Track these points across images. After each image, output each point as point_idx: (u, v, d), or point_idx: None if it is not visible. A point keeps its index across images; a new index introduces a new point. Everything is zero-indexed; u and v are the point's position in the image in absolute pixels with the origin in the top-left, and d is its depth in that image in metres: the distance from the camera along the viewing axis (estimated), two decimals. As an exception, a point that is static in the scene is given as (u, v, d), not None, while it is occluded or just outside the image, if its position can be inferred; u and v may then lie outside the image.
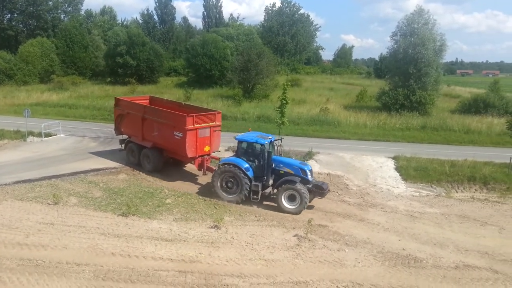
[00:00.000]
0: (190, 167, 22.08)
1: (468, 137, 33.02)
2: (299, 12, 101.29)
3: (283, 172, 17.64)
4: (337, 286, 11.45)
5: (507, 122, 24.86)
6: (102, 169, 21.12)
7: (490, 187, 21.63)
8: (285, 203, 17.04)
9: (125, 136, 23.42)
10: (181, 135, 19.25)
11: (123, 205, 16.43)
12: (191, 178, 21.20)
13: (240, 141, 18.26)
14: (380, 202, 19.03)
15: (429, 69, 41.10)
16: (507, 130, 24.91)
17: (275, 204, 17.39)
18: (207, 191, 18.79)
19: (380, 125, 36.17)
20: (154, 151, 20.96)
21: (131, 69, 60.39)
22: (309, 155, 24.69)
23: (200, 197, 18.17)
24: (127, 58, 60.17)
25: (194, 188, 19.38)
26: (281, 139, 18.93)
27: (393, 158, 25.48)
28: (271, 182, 17.91)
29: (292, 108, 39.56)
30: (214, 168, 19.22)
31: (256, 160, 17.91)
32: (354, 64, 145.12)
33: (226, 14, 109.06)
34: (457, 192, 21.46)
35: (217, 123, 20.63)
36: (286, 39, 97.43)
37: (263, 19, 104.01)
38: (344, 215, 17.18)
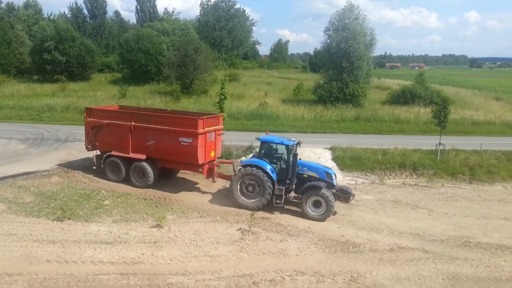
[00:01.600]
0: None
1: (398, 126, 35.03)
2: (234, 7, 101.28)
3: (306, 176, 16.80)
4: (281, 276, 11.72)
5: (432, 111, 26.59)
6: (33, 172, 19.82)
7: (419, 173, 23.13)
8: (310, 210, 16.23)
9: (97, 151, 20.45)
10: (190, 141, 17.51)
11: (58, 209, 15.60)
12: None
13: (263, 142, 17.28)
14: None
15: (360, 63, 42.93)
16: (432, 119, 26.64)
17: (299, 210, 16.63)
18: (147, 190, 18.34)
19: (317, 117, 37.25)
20: (149, 164, 18.72)
21: (60, 65, 57.12)
22: (250, 149, 24.90)
23: (141, 197, 17.71)
24: (55, 54, 56.79)
25: (133, 188, 18.80)
26: (299, 144, 17.44)
27: (330, 149, 26.40)
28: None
29: (231, 103, 39.58)
30: (226, 174, 18.89)
31: (280, 162, 17.05)
32: (290, 59, 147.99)
33: (160, 8, 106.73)
34: (389, 178, 22.71)
35: (220, 126, 19.46)
36: (223, 34, 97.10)
37: (199, 14, 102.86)
38: (284, 208, 17.53)
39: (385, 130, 33.98)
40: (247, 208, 16.50)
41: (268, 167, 16.57)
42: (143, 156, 18.68)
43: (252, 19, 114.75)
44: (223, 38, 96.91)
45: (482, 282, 12.00)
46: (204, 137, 17.77)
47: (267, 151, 17.25)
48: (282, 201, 16.56)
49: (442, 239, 14.90)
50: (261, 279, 11.53)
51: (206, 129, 17.91)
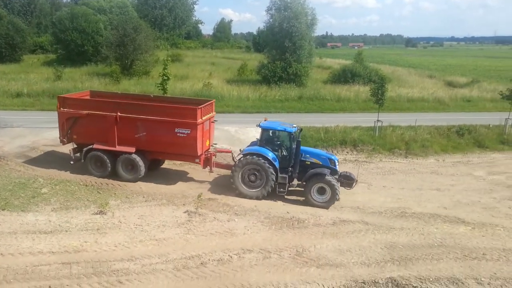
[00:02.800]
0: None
1: (339, 105, 36.11)
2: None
3: (309, 163, 16.37)
4: (228, 255, 11.89)
5: (370, 89, 27.68)
6: (-41, 162, 18.45)
7: (359, 149, 24.11)
8: (315, 197, 15.96)
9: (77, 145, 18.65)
10: (188, 132, 16.56)
11: (-11, 200, 14.68)
12: (68, 164, 19.57)
13: (265, 129, 16.64)
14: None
15: (302, 42, 43.50)
16: (371, 97, 27.73)
17: (302, 198, 16.38)
18: (88, 176, 17.68)
19: (262, 97, 37.47)
20: (140, 156, 17.44)
21: (-15, 46, 52.86)
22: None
23: (81, 183, 17.06)
24: (-21, 33, 52.42)
25: (73, 174, 18.01)
26: (300, 130, 17.22)
27: (275, 128, 26.70)
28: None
29: (175, 84, 38.84)
30: (223, 164, 18.34)
31: (281, 149, 16.66)
32: (234, 39, 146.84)
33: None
34: (337, 156, 23.45)
35: (213, 113, 18.56)
36: (163, 13, 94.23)
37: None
38: (231, 186, 17.66)
39: (327, 109, 34.93)
40: (250, 198, 16.14)
41: (271, 155, 16.08)
42: (132, 149, 17.32)
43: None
44: (164, 17, 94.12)
45: (417, 249, 12.86)
46: (202, 127, 16.94)
47: (268, 138, 16.73)
48: (286, 189, 16.29)
49: (380, 211, 15.75)
50: (209, 259, 11.63)
51: (204, 118, 17.13)
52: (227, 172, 17.92)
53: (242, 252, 12.12)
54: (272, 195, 16.35)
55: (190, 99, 20.58)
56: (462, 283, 11.14)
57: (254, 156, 16.02)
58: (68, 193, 16.07)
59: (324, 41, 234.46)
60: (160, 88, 25.66)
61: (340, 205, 16.13)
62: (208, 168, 18.09)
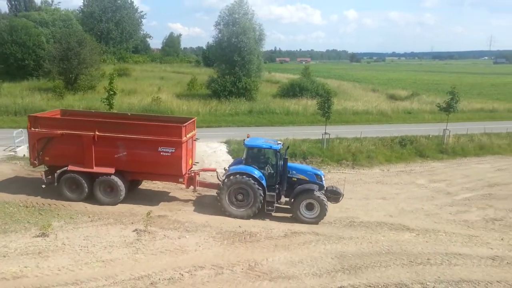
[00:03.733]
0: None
1: (288, 118, 36.80)
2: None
3: (296, 179, 16.21)
4: (179, 273, 11.60)
5: (317, 103, 28.44)
6: None
7: (308, 161, 24.56)
8: (303, 213, 15.82)
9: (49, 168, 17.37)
10: (172, 151, 15.86)
11: None
12: (6, 184, 18.46)
13: (250, 148, 16.31)
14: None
15: (251, 57, 44.11)
16: (318, 110, 28.47)
17: (290, 214, 16.20)
18: (28, 197, 16.70)
19: (212, 111, 37.42)
20: (119, 177, 16.48)
21: None
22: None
23: (21, 204, 16.05)
24: None
25: (12, 195, 16.93)
26: (287, 147, 17.10)
27: (225, 142, 26.74)
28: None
29: (122, 99, 37.98)
30: (208, 182, 17.77)
31: (268, 167, 16.34)
32: (183, 53, 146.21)
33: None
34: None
35: (195, 131, 17.96)
36: (110, 26, 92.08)
37: (82, 4, 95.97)
38: (182, 202, 17.38)
39: (277, 122, 35.47)
40: (237, 217, 15.75)
41: (258, 174, 15.81)
42: (111, 170, 16.33)
43: (141, 11, 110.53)
44: (110, 31, 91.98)
45: (366, 257, 13.19)
46: (186, 146, 16.32)
47: (253, 156, 16.44)
48: (274, 207, 16.08)
49: (330, 221, 16.07)
50: (159, 279, 11.29)
51: (188, 136, 16.52)
52: (181, 186, 17.60)
53: (194, 269, 11.87)
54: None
55: (168, 117, 19.87)
56: (409, 288, 11.53)
57: (241, 176, 15.67)
58: (7, 215, 15.05)
59: (273, 56, 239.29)
60: (106, 103, 24.88)
61: (290, 217, 16.28)
62: (191, 188, 17.57)
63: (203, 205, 17.24)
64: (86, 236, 13.63)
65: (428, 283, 11.75)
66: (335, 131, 28.14)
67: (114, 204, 16.52)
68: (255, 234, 14.48)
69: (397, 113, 42.28)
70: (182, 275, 11.55)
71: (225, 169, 17.05)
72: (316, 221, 15.77)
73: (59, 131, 16.46)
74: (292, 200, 16.02)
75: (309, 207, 15.82)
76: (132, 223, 14.89)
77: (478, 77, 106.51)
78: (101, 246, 13.01)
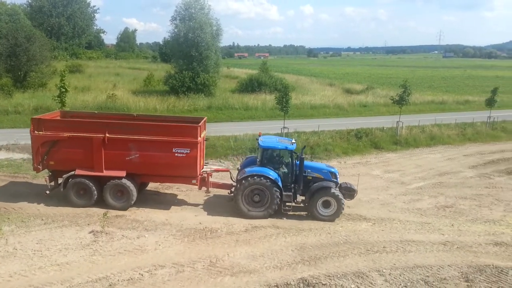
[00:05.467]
0: None
1: (247, 113, 36.90)
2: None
3: (311, 178, 16.18)
4: (139, 273, 11.39)
5: (276, 98, 28.68)
6: None
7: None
8: (321, 211, 15.80)
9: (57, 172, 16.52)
10: (187, 151, 15.52)
11: None
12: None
13: (266, 149, 16.14)
14: (174, 184, 19.54)
15: (209, 53, 43.81)
16: (276, 105, 28.71)
17: (305, 213, 16.24)
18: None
19: (170, 108, 36.85)
20: (130, 181, 15.89)
21: None
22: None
23: (-33, 210, 15.20)
24: None
25: (-44, 200, 16.01)
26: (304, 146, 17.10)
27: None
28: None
29: (76, 96, 36.79)
30: (220, 183, 17.26)
31: (283, 167, 16.24)
32: (139, 49, 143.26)
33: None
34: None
35: (205, 131, 17.53)
36: (61, 21, 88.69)
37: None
38: (141, 201, 17.02)
39: (236, 118, 35.47)
40: (254, 218, 15.63)
41: (274, 176, 15.75)
42: (123, 173, 15.79)
43: (94, 6, 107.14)
44: (61, 26, 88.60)
45: (325, 248, 13.49)
46: (200, 146, 16.03)
47: (269, 157, 16.33)
48: (291, 206, 16.04)
49: (290, 214, 16.26)
50: (118, 280, 11.04)
51: (202, 136, 16.22)
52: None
53: (154, 269, 11.69)
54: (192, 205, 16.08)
55: (175, 117, 19.56)
56: (367, 276, 11.88)
57: (257, 177, 15.61)
58: (-50, 222, 14.21)
59: (231, 51, 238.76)
60: (57, 101, 23.91)
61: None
62: (204, 189, 17.15)
63: (162, 203, 17.02)
64: (40, 240, 13.10)
65: (384, 270, 12.17)
66: (294, 125, 28.49)
67: (125, 208, 15.98)
68: (216, 230, 14.45)
69: (353, 107, 43.37)
70: (142, 275, 11.36)
71: (238, 170, 17.10)
72: (332, 218, 15.85)
73: (66, 134, 15.67)
74: (309, 198, 16.04)
75: (326, 204, 15.87)
76: (88, 224, 14.45)
77: (429, 71, 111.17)
78: (55, 250, 12.56)
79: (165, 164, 15.72)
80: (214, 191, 18.44)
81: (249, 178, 15.65)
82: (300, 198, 16.60)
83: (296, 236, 14.26)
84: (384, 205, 18.00)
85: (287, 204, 15.95)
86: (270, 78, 49.91)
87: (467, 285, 11.62)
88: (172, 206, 16.43)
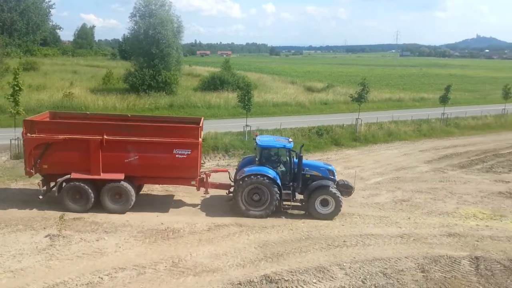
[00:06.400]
0: None
1: (210, 111, 36.67)
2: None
3: (309, 176, 16.22)
4: (99, 277, 11.12)
5: (238, 96, 28.71)
6: None
7: (231, 154, 24.78)
8: (319, 209, 15.83)
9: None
10: (188, 153, 15.29)
11: None
12: None
13: (264, 148, 16.20)
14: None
15: (170, 50, 43.25)
16: (239, 103, 28.74)
17: (303, 212, 16.33)
18: None
19: (130, 106, 36.14)
20: (128, 183, 15.45)
21: None
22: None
23: None
24: None
25: None
26: (302, 145, 17.24)
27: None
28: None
29: (30, 95, 35.31)
30: (218, 183, 17.16)
31: (281, 166, 16.29)
32: (98, 45, 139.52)
33: None
34: (204, 162, 23.60)
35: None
36: (13, 16, 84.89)
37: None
38: (100, 202, 16.59)
39: (199, 116, 34.98)
40: (255, 217, 15.65)
41: (273, 174, 15.78)
42: (121, 176, 15.34)
43: (50, 1, 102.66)
44: (14, 21, 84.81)
45: (287, 244, 13.65)
46: (200, 147, 15.94)
47: (267, 156, 16.38)
48: (291, 205, 16.09)
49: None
50: (76, 285, 10.72)
51: (202, 136, 16.11)
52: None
53: (114, 272, 11.44)
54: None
55: (170, 118, 19.33)
56: (328, 270, 12.13)
57: (257, 176, 15.60)
58: None
59: (193, 49, 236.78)
60: (11, 100, 22.83)
61: (214, 211, 16.33)
62: (203, 190, 16.90)
63: (123, 204, 16.62)
64: (-9, 246, 12.52)
65: (344, 264, 12.46)
66: (256, 123, 28.62)
67: (124, 212, 15.61)
68: (178, 230, 14.31)
69: (314, 105, 44.07)
70: (102, 278, 11.08)
71: (237, 170, 17.06)
72: (331, 216, 15.97)
73: (62, 136, 15.08)
74: (307, 197, 16.11)
75: (324, 203, 15.98)
76: (44, 228, 13.94)
77: (387, 69, 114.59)
78: (9, 255, 12.03)
79: (165, 165, 15.51)
80: (179, 190, 18.32)
81: (249, 177, 15.70)
82: (298, 196, 16.74)
83: (259, 234, 14.34)
84: (344, 200, 18.37)
85: (285, 203, 16.11)
86: (232, 76, 49.89)
87: (423, 275, 12.08)
88: (133, 207, 16.09)
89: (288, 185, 16.34)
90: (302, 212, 16.54)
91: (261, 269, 11.99)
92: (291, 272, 11.88)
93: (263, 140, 16.89)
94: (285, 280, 11.47)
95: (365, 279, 11.74)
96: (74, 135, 15.18)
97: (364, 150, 28.18)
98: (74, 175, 15.28)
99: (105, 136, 15.09)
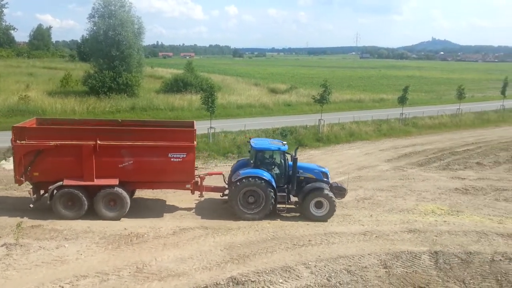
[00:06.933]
0: None
1: (173, 114, 36.29)
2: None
3: (303, 178, 16.35)
4: (59, 286, 10.73)
5: (201, 98, 28.56)
6: None
7: (196, 156, 24.43)
8: (314, 211, 15.95)
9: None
10: (184, 156, 15.24)
11: None
12: None
13: (259, 151, 16.34)
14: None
15: (131, 51, 42.55)
16: (202, 105, 28.59)
17: (298, 214, 16.47)
18: None
19: (90, 109, 35.24)
20: (122, 189, 15.12)
21: None
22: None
23: None
24: None
25: None
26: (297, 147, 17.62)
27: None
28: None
29: (-19, 98, 33.64)
30: (213, 186, 17.17)
31: (276, 168, 16.42)
32: (55, 47, 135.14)
33: None
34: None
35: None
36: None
37: None
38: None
39: (162, 118, 34.57)
40: (251, 219, 15.73)
41: (268, 176, 15.84)
42: (115, 181, 15.01)
43: (2, 0, 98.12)
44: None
45: (253, 245, 13.67)
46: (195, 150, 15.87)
47: (262, 158, 16.45)
48: (286, 207, 16.22)
49: (219, 214, 16.28)
50: (35, 295, 10.31)
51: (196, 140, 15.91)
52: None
53: (76, 280, 11.07)
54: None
55: (161, 122, 19.19)
56: (293, 269, 12.24)
57: (253, 179, 15.67)
58: None
59: (156, 50, 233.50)
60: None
61: (179, 214, 16.15)
62: (198, 193, 16.74)
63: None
64: None
65: (310, 263, 12.62)
66: (220, 125, 28.55)
67: (119, 218, 15.26)
68: (142, 235, 14.03)
69: (277, 106, 44.46)
70: (63, 287, 10.71)
71: (232, 173, 16.96)
72: (325, 218, 16.09)
73: (52, 142, 14.60)
74: (302, 199, 16.20)
75: (318, 205, 16.09)
76: (-1, 237, 13.32)
77: (347, 71, 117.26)
78: (-39, 268, 11.41)
79: (160, 170, 15.36)
80: (144, 194, 17.99)
81: (244, 180, 15.76)
82: (293, 198, 16.81)
83: (225, 236, 14.30)
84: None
85: (279, 206, 16.24)
86: (196, 78, 49.57)
87: (386, 271, 12.42)
88: (95, 213, 15.63)
89: (282, 188, 16.47)
90: (298, 214, 16.66)
91: (228, 271, 11.95)
92: (258, 273, 11.91)
93: (258, 142, 17.15)
94: (251, 281, 11.48)
95: (330, 277, 11.93)
96: (66, 141, 14.82)
97: (327, 150, 28.68)
98: (66, 182, 14.89)
99: (98, 141, 14.77)
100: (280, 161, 16.73)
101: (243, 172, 16.15)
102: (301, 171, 16.62)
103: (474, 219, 16.86)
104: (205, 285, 11.18)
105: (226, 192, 16.81)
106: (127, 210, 15.45)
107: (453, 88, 51.24)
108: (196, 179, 16.58)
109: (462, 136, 35.07)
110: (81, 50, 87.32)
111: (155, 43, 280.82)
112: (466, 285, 11.81)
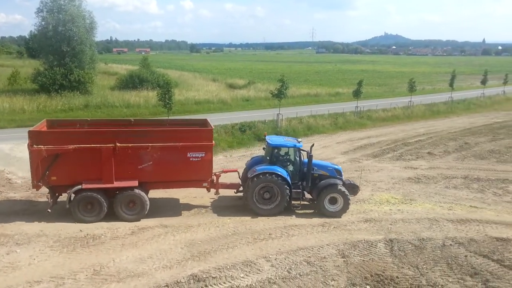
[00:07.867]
0: None
1: (129, 111, 35.43)
2: None
3: (317, 175, 16.67)
4: (11, 293, 10.29)
5: (158, 94, 28.08)
6: None
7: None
8: (328, 207, 16.21)
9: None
10: (203, 155, 15.44)
11: None
12: None
13: (275, 147, 16.63)
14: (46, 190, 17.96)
15: (83, 47, 41.15)
16: (159, 102, 28.12)
17: (312, 210, 16.70)
18: None
19: (41, 108, 33.81)
20: (141, 190, 15.12)
21: None
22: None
23: None
24: None
25: None
26: (312, 144, 17.39)
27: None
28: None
29: None
30: (229, 183, 17.25)
31: (291, 165, 16.73)
32: (1, 43, 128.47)
33: None
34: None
35: None
36: None
37: None
38: (10, 213, 15.33)
39: (117, 116, 33.69)
40: (264, 215, 15.99)
41: (285, 173, 16.13)
42: (135, 183, 14.97)
43: None
44: None
45: (214, 242, 13.65)
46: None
47: (277, 155, 16.79)
48: (300, 203, 16.51)
49: (175, 211, 16.22)
50: (-15, 304, 9.83)
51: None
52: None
53: (29, 286, 10.64)
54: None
55: (175, 121, 19.15)
56: (254, 263, 12.35)
57: (268, 175, 15.94)
58: None
59: (109, 46, 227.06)
60: None
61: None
62: (214, 191, 16.88)
63: (35, 213, 15.50)
64: None
65: (270, 256, 12.77)
66: (178, 121, 28.06)
67: (139, 219, 15.24)
68: (99, 237, 13.67)
69: (236, 101, 44.44)
70: (15, 294, 10.27)
71: (248, 167, 17.30)
72: (340, 213, 16.31)
73: (71, 146, 14.31)
74: (316, 195, 16.42)
75: (332, 201, 16.31)
76: None
77: (304, 66, 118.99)
78: None
79: (179, 169, 15.48)
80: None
81: (261, 176, 16.00)
82: (307, 195, 17.07)
83: (185, 233, 14.19)
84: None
85: (294, 202, 16.44)
86: (152, 74, 48.64)
87: (344, 260, 12.78)
88: (48, 215, 15.03)
89: (297, 184, 16.73)
90: (312, 210, 16.83)
91: (188, 268, 11.88)
92: (219, 268, 11.93)
93: (274, 139, 17.45)
94: (212, 277, 11.48)
95: (290, 269, 12.13)
96: (84, 144, 14.52)
97: (286, 144, 28.94)
98: (85, 185, 14.70)
99: (117, 144, 14.60)
100: (295, 158, 17.06)
101: (259, 168, 16.40)
102: (315, 168, 16.96)
103: (426, 206, 17.64)
104: (165, 284, 11.07)
105: (241, 188, 17.09)
106: (147, 211, 15.41)
107: (405, 81, 53.15)
108: (212, 177, 16.71)
109: (414, 127, 36.47)
110: (30, 46, 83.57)
111: (109, 39, 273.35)
112: (420, 270, 12.37)
